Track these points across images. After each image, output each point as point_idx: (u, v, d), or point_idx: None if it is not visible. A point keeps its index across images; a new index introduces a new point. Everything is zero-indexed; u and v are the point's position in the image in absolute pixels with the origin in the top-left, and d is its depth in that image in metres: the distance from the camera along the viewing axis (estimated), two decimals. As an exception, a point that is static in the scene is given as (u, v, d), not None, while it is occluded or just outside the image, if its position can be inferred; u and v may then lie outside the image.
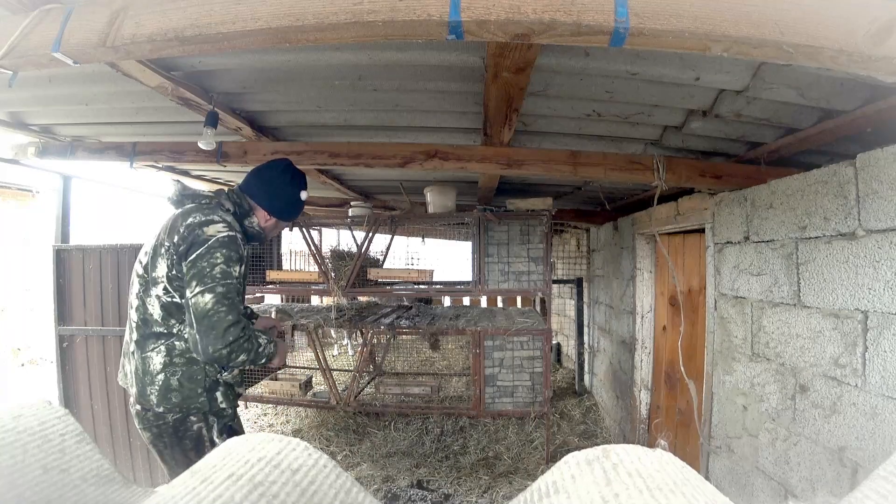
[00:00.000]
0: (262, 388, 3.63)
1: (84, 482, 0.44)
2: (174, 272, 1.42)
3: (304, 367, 4.40)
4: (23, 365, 5.95)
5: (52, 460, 0.44)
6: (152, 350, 1.46)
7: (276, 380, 3.74)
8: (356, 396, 3.31)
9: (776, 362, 1.76)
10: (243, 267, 1.48)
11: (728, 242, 2.11)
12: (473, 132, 2.14)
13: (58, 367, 2.85)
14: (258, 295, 4.40)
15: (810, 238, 1.59)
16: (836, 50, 0.85)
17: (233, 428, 1.59)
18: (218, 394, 1.53)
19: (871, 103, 1.42)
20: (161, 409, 1.46)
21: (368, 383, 3.95)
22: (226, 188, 1.69)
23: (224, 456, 0.41)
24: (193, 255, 1.39)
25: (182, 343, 1.46)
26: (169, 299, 1.43)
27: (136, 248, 2.80)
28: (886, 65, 0.87)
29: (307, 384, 3.78)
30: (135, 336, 1.49)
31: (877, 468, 0.40)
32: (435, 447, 3.47)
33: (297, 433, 3.87)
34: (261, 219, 1.65)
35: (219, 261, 1.39)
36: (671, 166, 2.08)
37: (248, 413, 4.29)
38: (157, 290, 1.44)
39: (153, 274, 1.45)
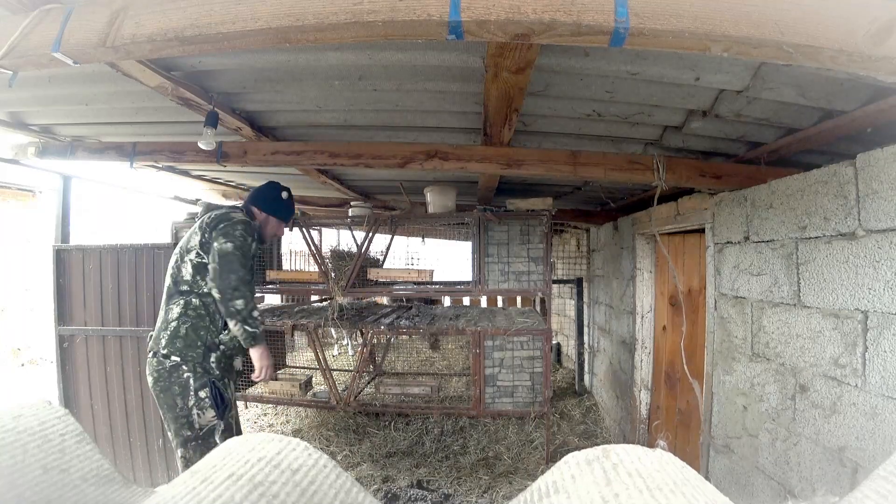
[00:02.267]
0: (262, 388, 3.62)
1: (84, 482, 0.44)
2: (205, 239, 1.93)
3: (304, 367, 4.40)
4: (23, 365, 5.95)
5: (52, 460, 0.44)
6: (174, 303, 1.90)
7: (276, 380, 3.74)
8: (356, 396, 3.31)
9: (776, 362, 1.76)
10: (255, 247, 2.00)
11: (728, 242, 2.11)
12: (473, 132, 2.14)
13: (58, 367, 2.85)
14: (258, 295, 4.40)
15: (810, 238, 1.59)
16: (836, 50, 0.85)
17: (216, 387, 1.87)
18: (213, 356, 1.89)
19: (871, 103, 1.42)
20: (165, 352, 1.83)
21: (368, 383, 3.95)
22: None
23: (224, 456, 0.41)
24: (222, 225, 1.92)
25: (197, 300, 1.90)
26: (199, 260, 1.92)
27: (136, 248, 2.80)
28: (886, 65, 0.87)
29: (307, 384, 3.78)
30: (164, 297, 1.96)
31: (877, 468, 0.40)
32: (435, 447, 3.47)
33: (297, 433, 3.88)
34: (258, 217, 2.17)
35: (240, 229, 1.93)
36: (671, 166, 2.08)
37: (248, 413, 4.30)
38: (191, 256, 1.93)
39: (188, 246, 1.96)
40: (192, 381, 1.82)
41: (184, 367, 1.82)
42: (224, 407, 1.88)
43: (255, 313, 1.88)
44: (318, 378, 4.20)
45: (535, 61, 1.24)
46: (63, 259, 2.85)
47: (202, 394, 1.83)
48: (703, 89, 1.54)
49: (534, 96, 1.66)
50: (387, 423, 3.85)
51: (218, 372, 1.88)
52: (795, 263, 1.66)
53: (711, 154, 2.16)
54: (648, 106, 1.72)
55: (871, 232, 1.34)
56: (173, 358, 1.82)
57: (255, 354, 1.91)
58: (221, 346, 1.91)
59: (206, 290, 1.89)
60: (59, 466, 0.44)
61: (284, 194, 2.23)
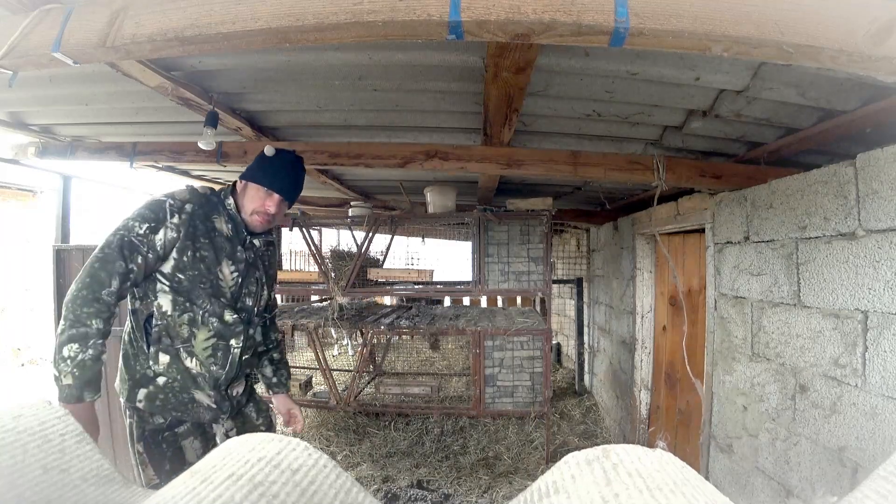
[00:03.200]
0: (262, 387, 3.62)
1: (84, 482, 0.44)
2: None
3: (304, 367, 4.40)
4: (23, 365, 5.95)
5: (52, 460, 0.44)
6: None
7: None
8: (356, 396, 3.31)
9: (776, 362, 1.76)
10: (169, 233, 1.34)
11: (728, 242, 2.11)
12: (473, 132, 2.14)
13: (58, 367, 2.85)
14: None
15: (810, 238, 1.59)
16: (836, 50, 0.85)
17: (148, 442, 1.39)
18: (142, 391, 1.38)
19: (871, 103, 1.42)
20: (117, 387, 1.45)
21: (368, 383, 3.95)
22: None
23: (224, 456, 0.41)
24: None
25: (129, 322, 1.42)
26: None
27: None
28: (886, 65, 0.87)
29: (307, 384, 3.78)
30: None
31: (877, 468, 0.40)
32: (435, 447, 3.47)
33: (297, 433, 3.87)
34: (239, 189, 1.52)
35: (136, 211, 1.34)
36: (671, 166, 2.08)
37: (248, 413, 4.29)
38: None
39: None
40: (133, 428, 1.40)
41: (127, 410, 1.42)
42: (162, 469, 1.40)
43: (70, 350, 1.19)
44: (318, 378, 4.20)
45: (535, 61, 1.24)
46: (63, 259, 2.85)
47: (139, 447, 1.40)
48: (703, 89, 1.54)
49: (534, 96, 1.66)
50: (387, 423, 3.85)
51: (161, 420, 1.40)
52: (795, 263, 1.66)
53: (711, 154, 2.16)
54: (648, 106, 1.72)
55: (871, 232, 1.34)
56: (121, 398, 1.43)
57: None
58: (160, 378, 1.38)
59: (134, 306, 1.41)
60: (59, 466, 0.44)
61: (269, 150, 1.50)
